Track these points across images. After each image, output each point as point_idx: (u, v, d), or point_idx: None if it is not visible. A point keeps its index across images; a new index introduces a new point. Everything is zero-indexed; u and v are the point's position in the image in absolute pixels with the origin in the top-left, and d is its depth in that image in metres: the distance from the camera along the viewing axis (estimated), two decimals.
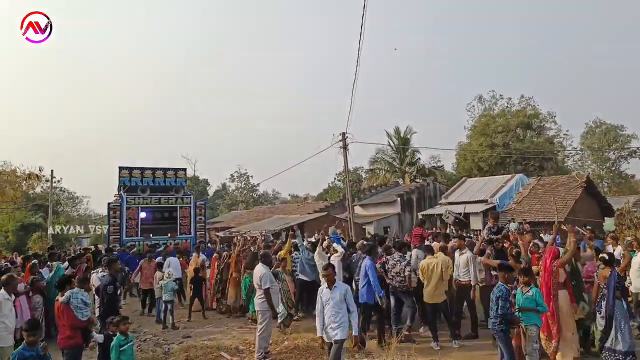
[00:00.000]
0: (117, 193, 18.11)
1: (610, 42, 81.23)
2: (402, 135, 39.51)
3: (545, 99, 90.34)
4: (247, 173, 59.97)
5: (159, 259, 12.33)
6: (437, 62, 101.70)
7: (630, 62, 78.52)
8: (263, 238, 19.35)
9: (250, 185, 59.89)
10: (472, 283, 7.56)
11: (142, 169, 17.76)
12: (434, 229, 21.17)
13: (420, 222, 12.91)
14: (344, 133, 19.37)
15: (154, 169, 17.98)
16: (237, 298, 10.20)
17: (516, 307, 5.59)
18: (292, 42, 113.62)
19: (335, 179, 47.97)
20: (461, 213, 19.22)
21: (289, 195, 64.51)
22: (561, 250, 6.56)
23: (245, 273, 10.06)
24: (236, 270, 10.39)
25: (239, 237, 20.61)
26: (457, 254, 7.91)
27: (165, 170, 18.20)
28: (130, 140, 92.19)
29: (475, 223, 20.83)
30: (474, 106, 42.60)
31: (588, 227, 11.19)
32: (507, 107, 40.24)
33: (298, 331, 8.54)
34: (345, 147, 19.50)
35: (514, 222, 17.04)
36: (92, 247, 17.36)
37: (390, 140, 39.73)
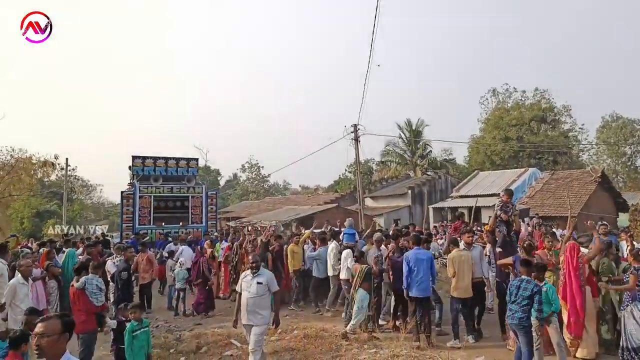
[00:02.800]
0: (130, 182, 18.35)
1: (631, 34, 79.34)
2: (413, 127, 39.16)
3: (560, 92, 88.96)
4: (258, 164, 60.19)
5: (169, 245, 12.41)
6: (451, 55, 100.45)
7: None
8: (273, 229, 19.47)
9: (261, 176, 60.10)
10: (486, 277, 7.39)
11: (155, 159, 17.94)
12: (449, 222, 21.10)
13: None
14: (355, 125, 19.34)
15: (166, 159, 18.15)
16: None
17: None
18: (306, 32, 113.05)
19: (346, 170, 47.83)
20: (473, 207, 19.08)
21: (300, 186, 64.65)
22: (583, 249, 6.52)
23: None
24: (248, 261, 10.49)
25: (249, 228, 20.80)
26: (464, 249, 7.45)
27: (177, 160, 18.37)
28: (143, 133, 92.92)
29: (487, 217, 20.67)
30: (487, 99, 42.14)
31: (603, 222, 11.03)
32: (521, 100, 39.69)
33: (308, 320, 8.64)
34: (356, 139, 19.46)
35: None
36: (101, 235, 17.56)
37: (401, 133, 39.44)
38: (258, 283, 5.58)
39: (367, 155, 52.22)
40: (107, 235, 18.20)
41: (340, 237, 10.10)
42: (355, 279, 7.41)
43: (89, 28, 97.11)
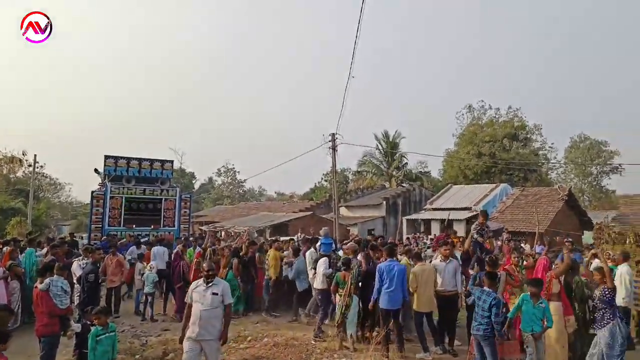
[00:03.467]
0: (101, 182, 17.90)
1: (601, 60, 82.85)
2: (390, 139, 39.76)
3: (532, 111, 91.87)
4: (234, 168, 59.78)
5: (131, 249, 12.03)
6: (429, 71, 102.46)
7: (618, 80, 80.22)
8: (247, 234, 19.32)
9: (236, 181, 59.65)
10: (459, 291, 7.42)
11: (129, 159, 17.57)
12: (420, 234, 21.39)
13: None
14: (333, 134, 19.47)
15: (140, 160, 17.80)
16: None
17: (522, 316, 5.61)
18: (286, 39, 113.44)
19: (322, 179, 48.06)
20: (445, 220, 19.42)
21: (275, 192, 64.48)
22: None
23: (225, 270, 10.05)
24: (223, 267, 10.38)
25: (223, 233, 20.56)
26: (440, 263, 7.48)
27: (152, 161, 18.04)
28: (117, 132, 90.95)
29: (459, 230, 21.07)
30: (463, 114, 43.07)
31: (569, 240, 11.42)
32: (495, 117, 40.79)
33: (279, 329, 8.58)
34: (334, 148, 19.59)
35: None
36: (68, 235, 17.03)
37: (378, 144, 39.99)
38: (213, 294, 5.09)
39: (343, 164, 52.49)
40: (76, 237, 17.65)
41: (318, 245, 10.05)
42: (347, 286, 7.26)
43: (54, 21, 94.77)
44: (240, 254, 10.19)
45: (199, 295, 5.12)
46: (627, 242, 14.84)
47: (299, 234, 16.20)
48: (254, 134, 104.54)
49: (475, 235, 7.99)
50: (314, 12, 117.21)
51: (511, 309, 6.51)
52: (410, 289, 7.15)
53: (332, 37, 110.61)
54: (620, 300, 7.05)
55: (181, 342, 5.35)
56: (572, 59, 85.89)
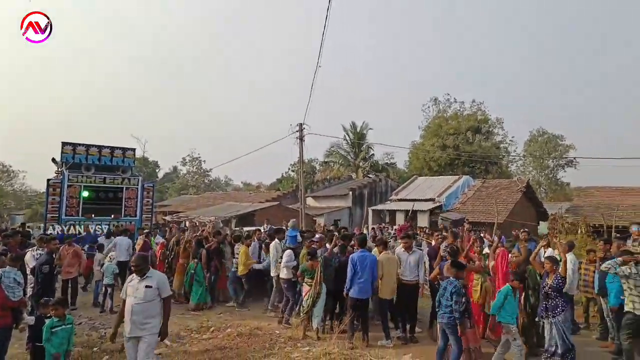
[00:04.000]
0: (58, 169, 17.15)
1: (567, 57, 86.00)
2: (358, 130, 40.05)
3: (495, 105, 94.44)
4: (200, 157, 58.68)
5: (99, 239, 11.76)
6: (398, 64, 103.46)
7: (574, 78, 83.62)
8: (212, 224, 19.05)
9: (202, 170, 58.63)
10: (421, 282, 7.57)
11: (88, 146, 16.87)
12: (385, 224, 21.73)
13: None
14: (301, 124, 19.37)
15: (100, 147, 17.13)
16: (182, 285, 10.03)
17: (506, 307, 5.81)
18: (256, 30, 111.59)
19: (289, 169, 47.93)
20: (409, 210, 19.82)
21: (242, 182, 63.80)
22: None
23: (192, 261, 9.92)
24: (184, 257, 10.21)
25: (187, 223, 20.20)
26: (403, 252, 7.53)
27: (112, 149, 17.39)
28: (77, 118, 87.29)
29: (422, 220, 21.56)
30: (429, 107, 43.84)
31: (525, 230, 11.90)
32: (459, 110, 41.73)
33: (244, 318, 8.55)
34: (301, 138, 19.50)
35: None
36: (19, 226, 16.27)
37: (346, 135, 40.19)
38: (147, 287, 4.84)
39: (311, 155, 52.52)
40: (29, 227, 16.89)
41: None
42: (317, 274, 7.33)
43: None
44: (205, 245, 10.06)
45: (132, 289, 4.90)
46: (579, 232, 15.62)
47: (265, 224, 16.09)
48: (221, 124, 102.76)
49: (445, 255, 8.27)
50: (285, 3, 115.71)
51: (474, 295, 6.79)
52: (378, 277, 7.27)
53: (303, 29, 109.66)
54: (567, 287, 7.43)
55: (112, 339, 5.31)
56: (536, 58, 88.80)
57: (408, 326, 7.37)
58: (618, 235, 11.33)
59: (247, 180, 62.71)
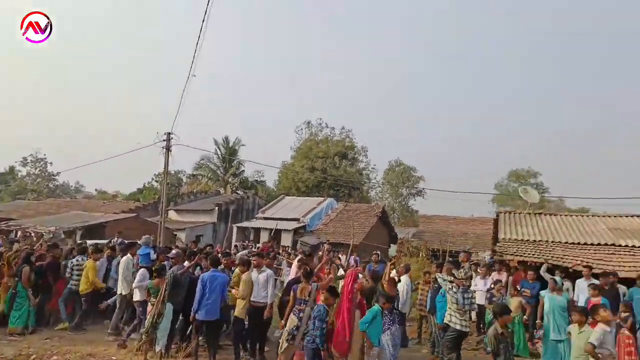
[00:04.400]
0: None
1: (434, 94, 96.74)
2: (230, 145, 39.52)
3: (361, 133, 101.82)
4: (45, 159, 51.45)
5: None
6: (272, 86, 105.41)
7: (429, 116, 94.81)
8: (51, 235, 16.83)
9: (47, 173, 51.45)
10: (269, 302, 7.42)
11: None
12: (249, 242, 21.54)
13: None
14: (169, 133, 18.35)
15: None
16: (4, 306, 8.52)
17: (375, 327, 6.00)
18: (132, 37, 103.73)
19: (153, 179, 44.90)
20: (272, 230, 20.04)
21: (96, 190, 57.61)
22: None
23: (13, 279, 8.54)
24: (9, 274, 8.72)
25: (19, 233, 17.46)
26: (254, 272, 7.40)
27: None
28: None
29: (286, 239, 21.94)
30: (302, 129, 45.43)
31: (376, 252, 12.88)
32: (330, 135, 44.11)
33: (74, 344, 7.56)
34: (168, 148, 18.43)
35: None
36: None
37: (217, 149, 39.37)
38: None
39: (180, 166, 49.92)
40: None
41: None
42: (161, 293, 6.84)
43: None
44: (35, 260, 8.73)
45: None
46: (420, 255, 17.47)
47: (116, 237, 14.64)
48: (77, 124, 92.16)
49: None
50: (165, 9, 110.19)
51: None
52: (237, 296, 7.16)
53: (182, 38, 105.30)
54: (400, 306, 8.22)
55: None
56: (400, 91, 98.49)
57: (257, 346, 7.30)
58: (450, 259, 12.92)
59: (103, 188, 56.91)
